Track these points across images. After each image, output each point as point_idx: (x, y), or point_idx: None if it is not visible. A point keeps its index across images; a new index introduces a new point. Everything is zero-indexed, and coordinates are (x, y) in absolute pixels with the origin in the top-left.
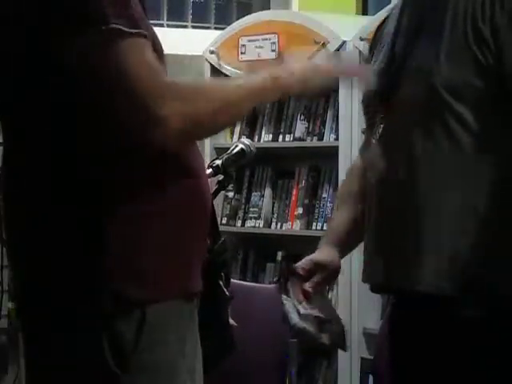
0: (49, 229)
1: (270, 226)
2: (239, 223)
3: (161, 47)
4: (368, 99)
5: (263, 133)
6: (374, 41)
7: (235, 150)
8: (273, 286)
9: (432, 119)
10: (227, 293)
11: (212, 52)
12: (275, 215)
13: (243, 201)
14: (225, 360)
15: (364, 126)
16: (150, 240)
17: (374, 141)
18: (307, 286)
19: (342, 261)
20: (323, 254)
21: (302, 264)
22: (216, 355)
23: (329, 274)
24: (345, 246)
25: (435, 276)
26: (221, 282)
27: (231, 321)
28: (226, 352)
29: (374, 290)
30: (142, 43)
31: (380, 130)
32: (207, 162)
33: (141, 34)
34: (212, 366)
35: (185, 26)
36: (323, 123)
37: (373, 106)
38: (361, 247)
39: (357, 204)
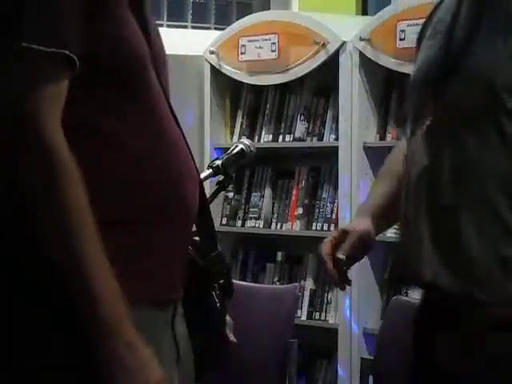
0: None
1: (269, 227)
2: (239, 223)
3: (138, 49)
4: (417, 87)
5: (263, 133)
6: (425, 26)
7: (235, 151)
8: (273, 286)
9: (485, 118)
10: (218, 305)
11: (212, 52)
12: (275, 215)
13: (243, 201)
14: (214, 370)
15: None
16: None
17: (420, 132)
18: (340, 253)
19: None
20: (353, 223)
21: (332, 234)
22: (204, 365)
23: (359, 240)
24: (381, 218)
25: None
26: (213, 293)
27: (231, 337)
28: (215, 364)
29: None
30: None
31: (427, 122)
32: (207, 162)
33: (56, 55)
34: (202, 374)
35: (185, 27)
36: (323, 123)
37: (421, 96)
38: None
39: (396, 182)
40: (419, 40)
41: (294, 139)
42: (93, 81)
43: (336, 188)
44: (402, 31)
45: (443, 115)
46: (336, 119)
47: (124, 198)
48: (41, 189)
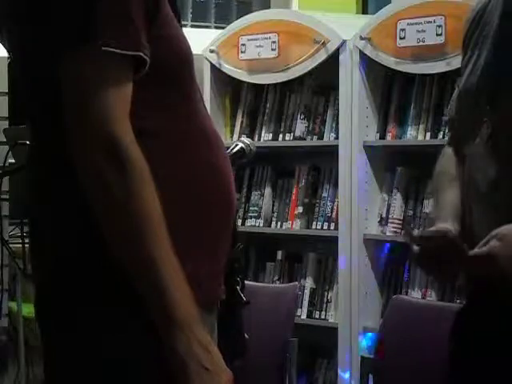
0: (54, 230)
1: (270, 225)
2: (239, 222)
3: (184, 48)
4: (469, 97)
5: (263, 132)
6: (472, 23)
7: (235, 149)
8: (273, 285)
9: None
10: (244, 298)
11: (212, 51)
12: (275, 214)
13: (243, 200)
14: (232, 364)
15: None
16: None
17: (480, 144)
18: None
19: (342, 260)
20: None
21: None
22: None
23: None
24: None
25: None
26: (238, 288)
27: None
28: (235, 357)
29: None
30: (123, 76)
31: (487, 133)
32: None
33: (128, 56)
34: None
35: (185, 25)
36: (323, 122)
37: (474, 106)
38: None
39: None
40: (466, 39)
41: (294, 138)
42: (147, 82)
43: (336, 187)
44: (402, 30)
45: (504, 128)
46: (336, 118)
47: (188, 202)
48: (120, 197)
